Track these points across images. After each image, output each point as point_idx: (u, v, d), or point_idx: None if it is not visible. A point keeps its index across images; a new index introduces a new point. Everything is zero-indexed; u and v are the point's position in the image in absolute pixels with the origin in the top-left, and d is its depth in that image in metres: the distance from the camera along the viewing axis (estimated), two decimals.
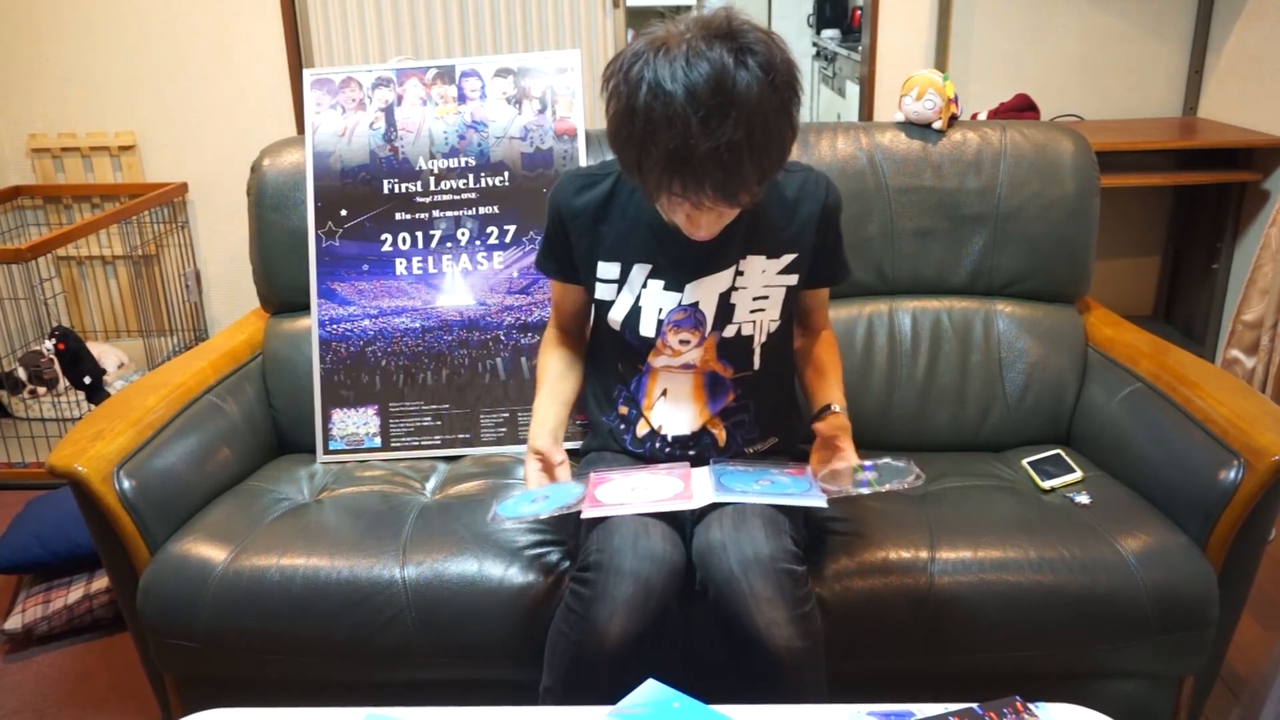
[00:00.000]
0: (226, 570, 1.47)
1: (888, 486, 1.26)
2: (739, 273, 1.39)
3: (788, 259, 1.41)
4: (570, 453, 1.46)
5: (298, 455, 1.89)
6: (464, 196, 1.89)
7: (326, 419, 1.86)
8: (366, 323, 1.87)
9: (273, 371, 1.92)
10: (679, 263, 1.38)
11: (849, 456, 1.30)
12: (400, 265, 1.88)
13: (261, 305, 2.03)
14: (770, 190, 1.39)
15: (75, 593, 2.00)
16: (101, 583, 2.01)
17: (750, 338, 1.43)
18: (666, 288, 1.40)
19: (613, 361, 1.50)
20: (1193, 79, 2.84)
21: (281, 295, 1.96)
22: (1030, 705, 1.01)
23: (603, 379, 1.54)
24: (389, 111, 1.90)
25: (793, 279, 1.42)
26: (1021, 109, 2.68)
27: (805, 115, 3.88)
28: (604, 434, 1.54)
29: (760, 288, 1.41)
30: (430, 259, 1.88)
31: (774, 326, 1.44)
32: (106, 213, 2.66)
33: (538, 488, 1.34)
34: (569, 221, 1.43)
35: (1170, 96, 2.89)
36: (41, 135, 2.94)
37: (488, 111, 1.90)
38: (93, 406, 2.65)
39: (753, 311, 1.41)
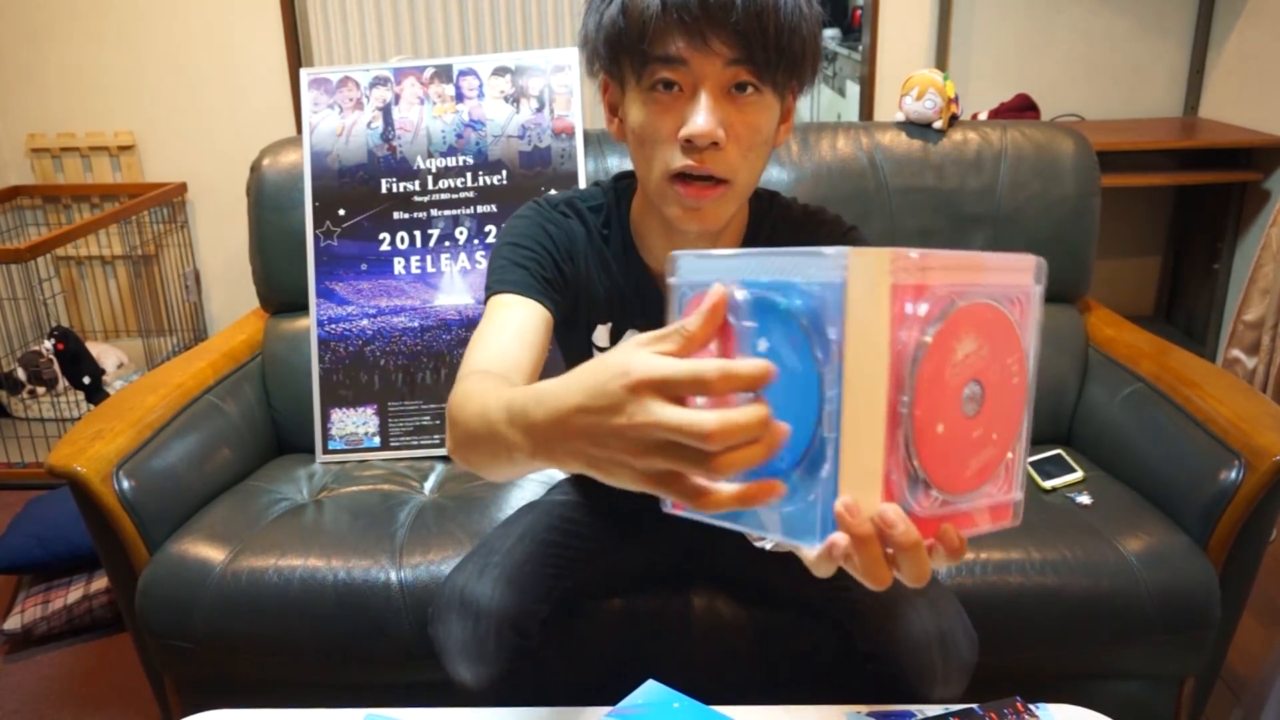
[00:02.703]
0: (225, 571, 1.47)
1: None
2: None
3: None
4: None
5: (297, 455, 1.88)
6: (462, 195, 1.89)
7: (325, 419, 1.85)
8: (365, 322, 1.87)
9: (272, 371, 1.92)
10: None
11: None
12: (399, 264, 1.88)
13: (261, 305, 2.02)
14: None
15: (74, 593, 2.00)
16: (101, 583, 2.01)
17: None
18: None
19: None
20: (1194, 79, 2.84)
21: (281, 295, 1.96)
22: (1031, 706, 1.00)
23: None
24: (386, 111, 1.90)
25: None
26: (1022, 109, 2.67)
27: (805, 115, 3.88)
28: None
29: None
30: (428, 258, 1.88)
31: None
32: (106, 213, 2.66)
33: None
34: (562, 245, 1.12)
35: (1171, 96, 2.88)
36: (40, 135, 2.94)
37: (485, 110, 1.90)
38: (92, 406, 2.64)
39: None
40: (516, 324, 1.01)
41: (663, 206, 1.02)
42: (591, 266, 1.14)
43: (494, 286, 1.05)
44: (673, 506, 0.63)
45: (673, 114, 0.95)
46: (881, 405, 0.55)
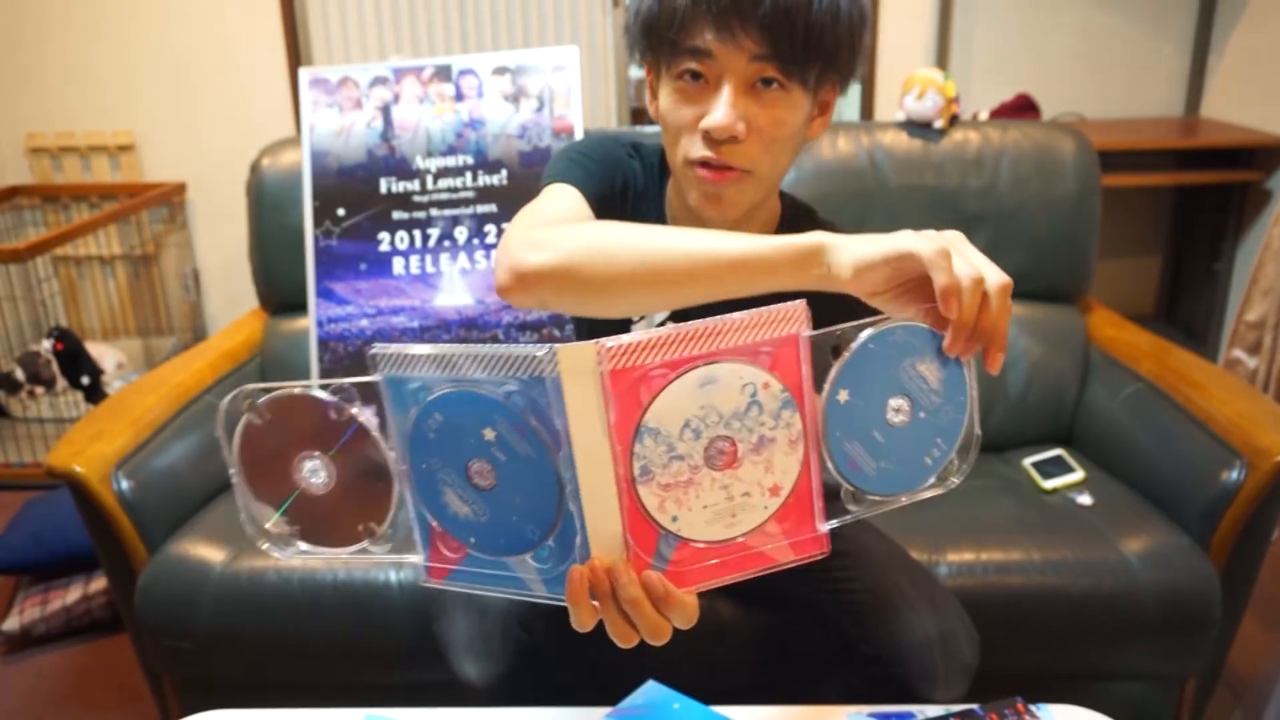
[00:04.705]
0: (225, 571, 1.47)
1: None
2: None
3: None
4: None
5: None
6: (461, 195, 1.88)
7: None
8: (364, 322, 1.86)
9: (271, 371, 1.92)
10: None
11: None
12: (398, 264, 1.87)
13: (261, 305, 2.02)
14: None
15: (73, 594, 1.99)
16: (99, 584, 2.01)
17: None
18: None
19: None
20: (1194, 78, 2.84)
21: (281, 295, 1.96)
22: (1032, 706, 1.00)
23: None
24: (386, 110, 1.90)
25: None
26: (1022, 108, 2.67)
27: None
28: None
29: None
30: (428, 258, 1.87)
31: None
32: (104, 212, 2.65)
33: None
34: (618, 173, 1.11)
35: (1172, 96, 2.88)
36: (39, 134, 2.94)
37: (485, 109, 1.90)
38: (91, 407, 2.64)
39: None
40: (576, 205, 1.02)
41: (686, 190, 1.04)
42: (644, 205, 1.14)
43: (554, 177, 1.06)
44: (430, 576, 0.71)
45: (696, 104, 0.97)
46: (610, 481, 0.63)
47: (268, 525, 0.73)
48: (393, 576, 1.45)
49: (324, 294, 1.87)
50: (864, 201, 1.87)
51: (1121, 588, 1.42)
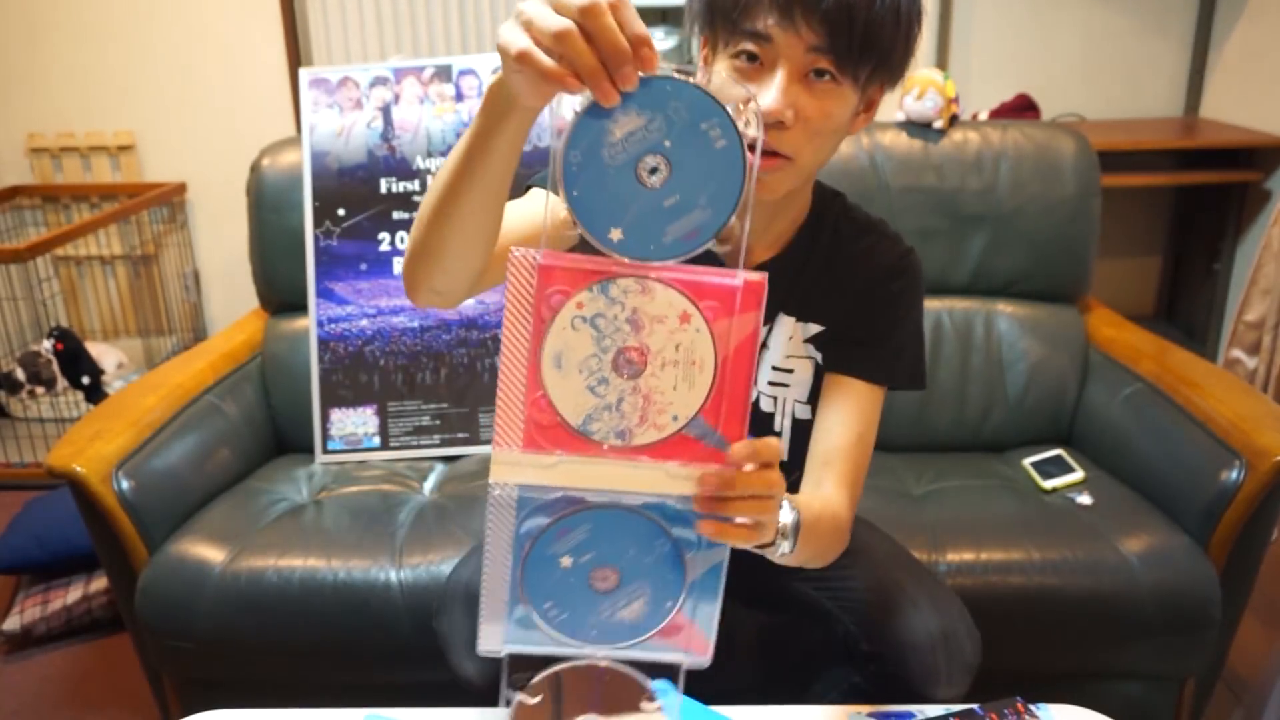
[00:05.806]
0: (225, 571, 1.47)
1: None
2: (768, 328, 1.14)
3: (813, 328, 1.14)
4: None
5: (297, 455, 1.88)
6: None
7: (325, 419, 1.85)
8: (365, 322, 1.87)
9: (272, 371, 1.92)
10: None
11: None
12: (398, 264, 1.87)
13: (261, 305, 2.02)
14: (824, 243, 1.15)
15: (74, 594, 2.00)
16: (100, 583, 2.01)
17: (770, 416, 1.16)
18: None
19: None
20: (1194, 78, 2.84)
21: (281, 295, 1.96)
22: (1031, 706, 1.00)
23: None
24: (386, 110, 1.90)
25: (817, 356, 1.15)
26: (1022, 109, 2.67)
27: None
28: None
29: (783, 356, 1.15)
30: None
31: (801, 413, 1.16)
32: (105, 212, 2.66)
33: None
34: None
35: (1172, 96, 2.88)
36: (40, 135, 2.94)
37: None
38: (91, 407, 2.64)
39: (772, 384, 1.16)
40: (530, 207, 1.07)
41: None
42: None
43: (534, 181, 1.13)
44: (700, 654, 0.83)
45: (749, 85, 0.98)
46: (629, 470, 0.72)
47: None
48: (393, 576, 1.45)
49: (324, 294, 1.87)
50: (864, 202, 1.83)
51: (1121, 588, 1.42)
